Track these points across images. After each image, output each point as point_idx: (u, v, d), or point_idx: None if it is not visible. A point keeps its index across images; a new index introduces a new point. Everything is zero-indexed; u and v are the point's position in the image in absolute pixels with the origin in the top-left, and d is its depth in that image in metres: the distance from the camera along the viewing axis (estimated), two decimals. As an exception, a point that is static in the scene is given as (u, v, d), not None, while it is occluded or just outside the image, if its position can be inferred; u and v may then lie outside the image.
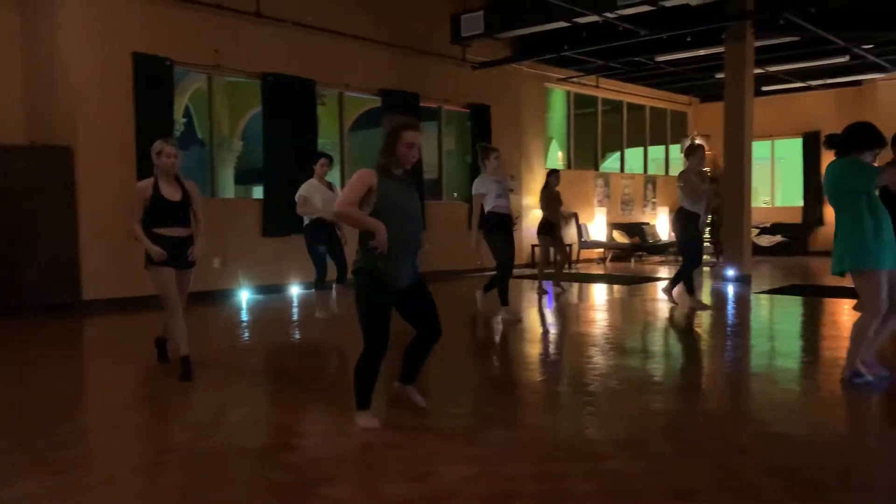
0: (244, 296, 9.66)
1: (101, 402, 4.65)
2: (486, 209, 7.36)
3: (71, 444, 3.72)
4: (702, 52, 12.79)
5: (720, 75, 12.34)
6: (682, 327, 7.38)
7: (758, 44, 11.55)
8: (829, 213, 16.62)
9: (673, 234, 10.81)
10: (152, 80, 8.88)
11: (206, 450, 3.60)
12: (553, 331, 7.29)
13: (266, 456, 3.52)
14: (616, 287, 10.89)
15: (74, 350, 6.75)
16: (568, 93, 15.59)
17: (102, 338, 7.34)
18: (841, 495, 2.96)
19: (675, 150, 18.01)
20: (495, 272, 7.66)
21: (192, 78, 12.65)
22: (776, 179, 17.86)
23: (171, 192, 5.02)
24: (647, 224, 16.82)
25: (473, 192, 7.45)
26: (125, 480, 3.24)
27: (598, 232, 15.61)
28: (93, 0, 8.63)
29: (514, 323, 7.34)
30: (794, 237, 16.62)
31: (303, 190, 7.35)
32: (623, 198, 16.65)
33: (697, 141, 8.50)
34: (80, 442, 3.79)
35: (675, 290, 8.37)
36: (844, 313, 8.03)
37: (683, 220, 7.94)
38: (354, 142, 14.89)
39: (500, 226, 7.40)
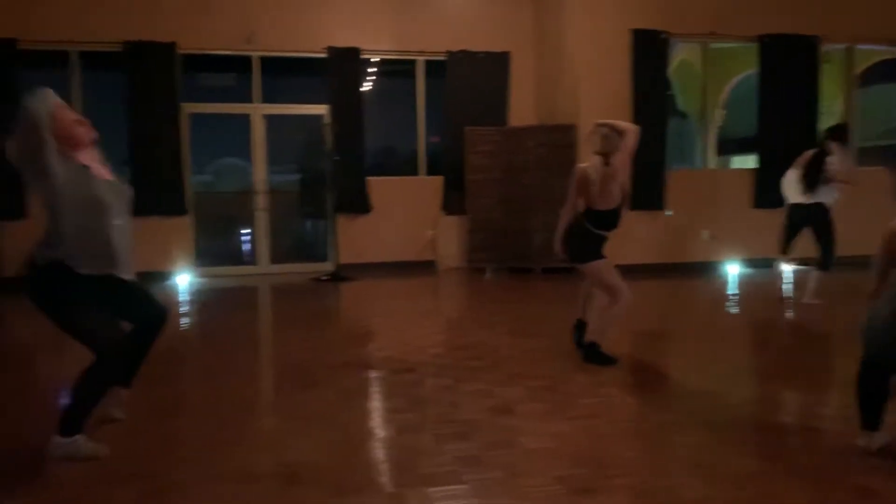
0: (732, 269, 9.40)
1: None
2: None
3: (589, 394, 4.08)
4: None
5: None
6: None
7: None
8: None
9: None
10: (648, 55, 9.15)
11: (713, 420, 3.60)
12: None
13: (786, 433, 3.37)
14: None
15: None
16: None
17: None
18: None
19: None
20: None
21: (678, 49, 12.64)
22: None
23: None
24: None
25: None
26: (628, 436, 3.41)
27: None
28: (596, -15, 9.25)
29: None
30: None
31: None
32: None
33: None
34: (597, 393, 4.11)
35: None
36: None
37: None
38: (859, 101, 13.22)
39: None
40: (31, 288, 3.13)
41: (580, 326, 4.96)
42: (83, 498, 2.73)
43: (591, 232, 4.64)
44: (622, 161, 4.49)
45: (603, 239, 4.69)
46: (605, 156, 4.51)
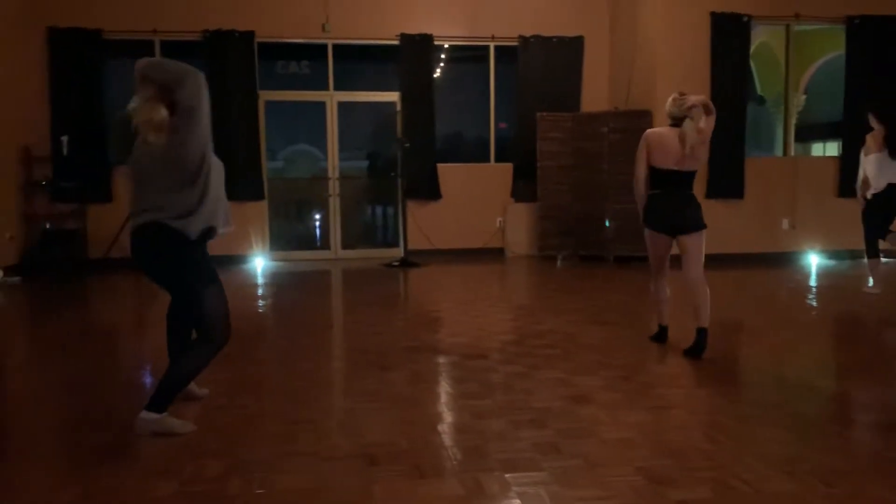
0: (814, 260, 9.07)
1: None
2: None
3: (667, 385, 4.00)
4: None
5: None
6: None
7: None
8: None
9: None
10: (728, 39, 8.88)
11: (796, 414, 3.48)
12: None
13: (872, 430, 3.23)
14: None
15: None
16: None
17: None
18: None
19: None
20: None
21: (757, 32, 12.20)
22: None
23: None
24: None
25: None
26: (708, 428, 3.33)
27: None
28: (673, -33, 9.00)
29: None
30: None
31: None
32: None
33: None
34: (676, 384, 4.04)
35: None
36: None
37: None
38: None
39: None
40: (173, 260, 3.15)
41: (663, 330, 4.89)
42: (169, 472, 2.82)
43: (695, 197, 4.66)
44: (709, 131, 4.53)
45: None
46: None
